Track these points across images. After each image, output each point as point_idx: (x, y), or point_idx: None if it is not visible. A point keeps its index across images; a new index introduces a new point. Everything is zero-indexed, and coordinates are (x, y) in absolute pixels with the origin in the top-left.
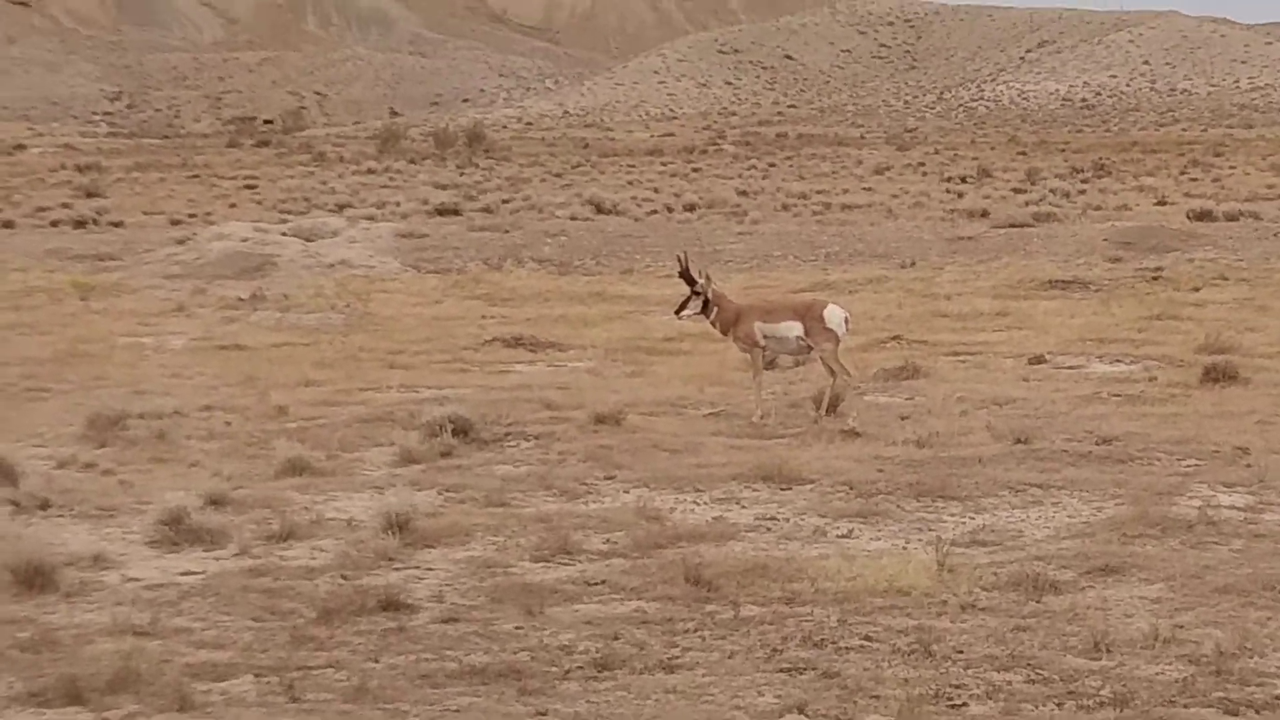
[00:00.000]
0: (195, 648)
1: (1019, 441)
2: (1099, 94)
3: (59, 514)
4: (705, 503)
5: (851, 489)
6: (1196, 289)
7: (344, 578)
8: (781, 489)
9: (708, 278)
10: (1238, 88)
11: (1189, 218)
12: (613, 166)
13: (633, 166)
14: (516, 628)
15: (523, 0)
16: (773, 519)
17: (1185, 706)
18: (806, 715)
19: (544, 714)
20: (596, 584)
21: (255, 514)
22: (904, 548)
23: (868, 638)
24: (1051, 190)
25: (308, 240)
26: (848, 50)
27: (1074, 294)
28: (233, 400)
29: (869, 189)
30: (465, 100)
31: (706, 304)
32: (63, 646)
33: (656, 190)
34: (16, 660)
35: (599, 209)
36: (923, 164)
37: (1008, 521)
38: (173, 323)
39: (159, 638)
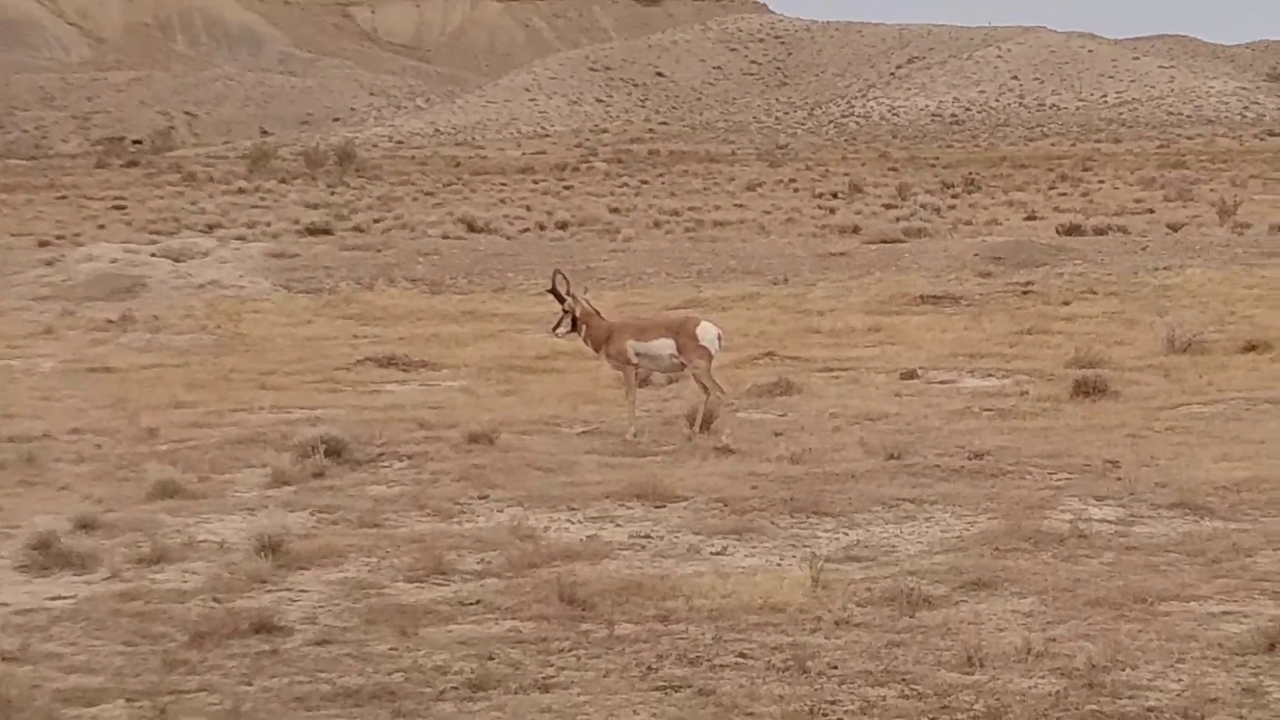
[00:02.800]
0: (66, 673)
1: (892, 457)
2: (968, 109)
3: None
4: (579, 521)
5: (725, 506)
6: (1066, 303)
7: (216, 600)
8: (655, 506)
9: (573, 296)
10: (1105, 102)
11: (1058, 232)
12: (485, 185)
13: (505, 184)
14: (390, 649)
15: (393, 18)
16: (647, 537)
17: None
18: None
19: None
20: (471, 604)
21: (126, 537)
22: (778, 564)
23: (742, 655)
24: (922, 205)
25: (177, 261)
26: (718, 67)
27: (945, 309)
28: (103, 423)
29: (741, 205)
30: (336, 119)
31: (575, 321)
32: None
33: (529, 208)
34: None
35: (471, 227)
36: (794, 180)
37: (881, 537)
38: (41, 345)
39: (29, 663)
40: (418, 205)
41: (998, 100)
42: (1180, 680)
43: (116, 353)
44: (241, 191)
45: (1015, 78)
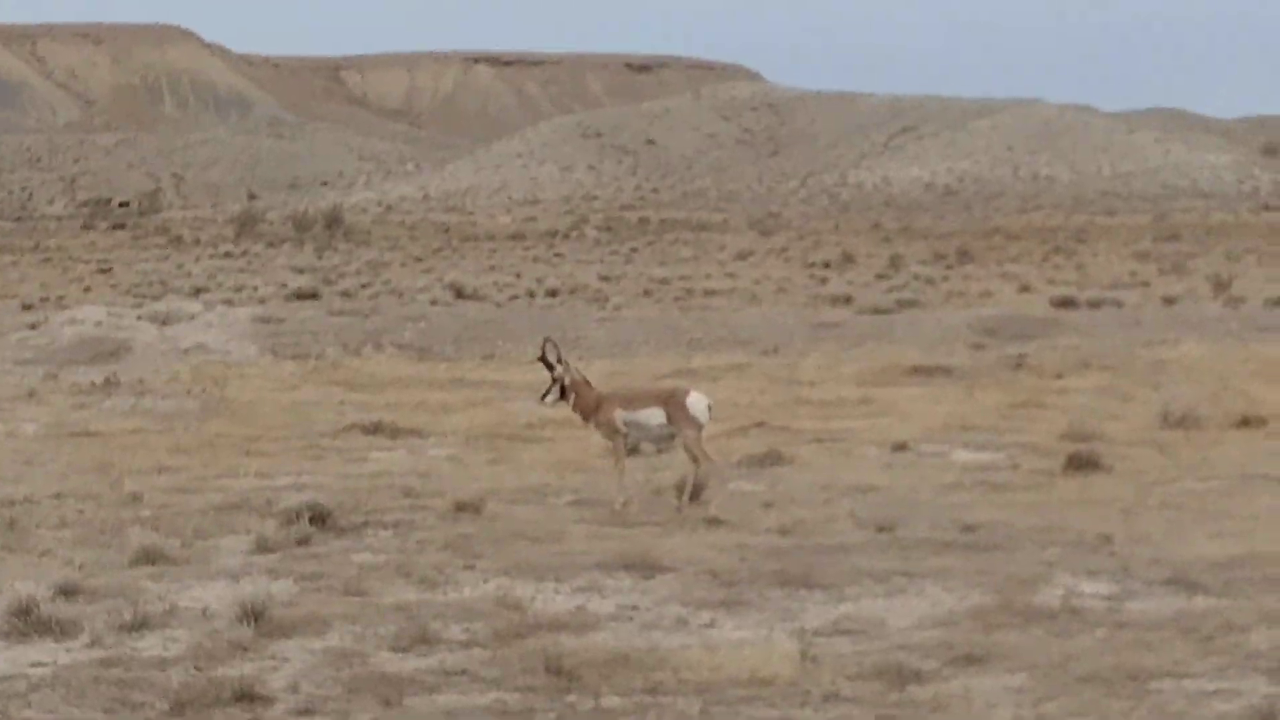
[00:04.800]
0: None
1: (882, 529)
2: (962, 180)
3: None
4: (566, 592)
5: (714, 577)
6: (1059, 376)
7: (198, 668)
8: (644, 577)
9: (565, 364)
10: (1100, 175)
11: (1052, 305)
12: (474, 251)
13: (494, 251)
14: (374, 719)
15: (383, 83)
16: (635, 608)
17: None
18: None
19: None
20: (456, 674)
21: (107, 603)
22: (767, 637)
23: None
24: (915, 276)
25: (163, 324)
26: (711, 135)
27: (937, 381)
28: (85, 487)
29: (732, 275)
30: (324, 183)
31: (564, 390)
32: None
33: (518, 275)
34: None
35: (460, 294)
36: (786, 249)
37: (871, 610)
38: (24, 409)
39: None
40: (406, 271)
41: (991, 171)
42: None
43: (100, 417)
44: (229, 255)
45: (1009, 149)
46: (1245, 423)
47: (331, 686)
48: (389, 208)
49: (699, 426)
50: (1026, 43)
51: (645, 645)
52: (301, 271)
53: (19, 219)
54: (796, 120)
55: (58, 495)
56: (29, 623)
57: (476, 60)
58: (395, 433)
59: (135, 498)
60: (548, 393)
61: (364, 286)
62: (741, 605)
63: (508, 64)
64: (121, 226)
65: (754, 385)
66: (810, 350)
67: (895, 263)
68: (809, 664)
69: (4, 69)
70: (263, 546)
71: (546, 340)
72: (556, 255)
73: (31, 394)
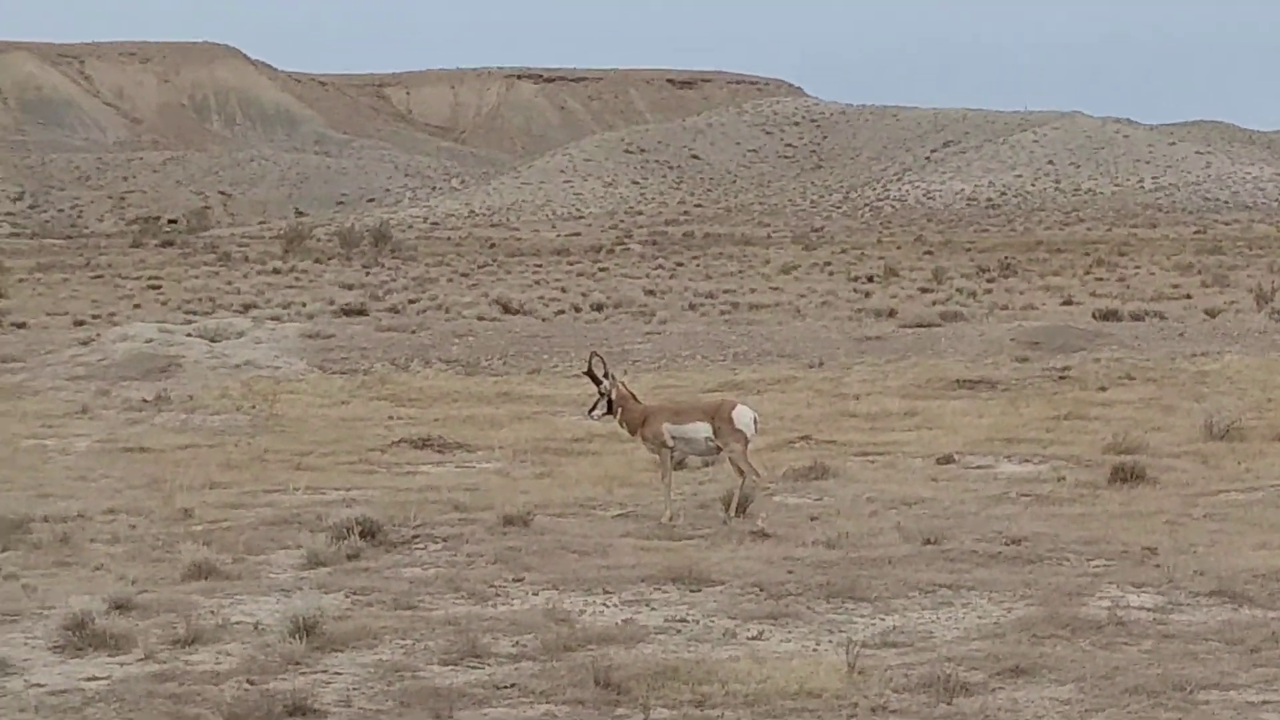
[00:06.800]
0: None
1: (928, 542)
2: (1004, 193)
3: None
4: (615, 605)
5: (761, 590)
6: (1103, 388)
7: (250, 682)
8: (691, 590)
9: (612, 378)
10: (1141, 187)
11: (1095, 317)
12: (520, 266)
13: (540, 266)
14: None
15: (428, 100)
16: (682, 621)
17: None
18: None
19: None
20: (506, 687)
21: (160, 618)
22: (814, 649)
23: None
24: (958, 290)
25: (213, 341)
26: (754, 150)
27: (982, 394)
28: (138, 503)
29: (776, 288)
30: (371, 200)
31: (611, 404)
32: None
33: (564, 290)
34: None
35: (506, 309)
36: (830, 263)
37: (918, 623)
38: (77, 424)
39: None
40: (453, 286)
41: (1033, 185)
42: None
43: (152, 433)
44: (277, 272)
45: (1051, 162)
46: None
47: (383, 700)
48: (435, 224)
49: (745, 440)
50: (1068, 56)
51: (693, 658)
52: (349, 288)
53: (69, 236)
54: (839, 134)
55: (110, 511)
56: (83, 637)
57: (520, 76)
58: (444, 447)
59: (187, 513)
60: (594, 407)
61: (411, 302)
62: (789, 618)
63: (551, 80)
64: (170, 244)
65: (799, 399)
66: (855, 363)
67: (938, 276)
68: (856, 676)
69: (52, 88)
70: (314, 561)
71: (593, 354)
72: (601, 270)
73: (84, 410)
